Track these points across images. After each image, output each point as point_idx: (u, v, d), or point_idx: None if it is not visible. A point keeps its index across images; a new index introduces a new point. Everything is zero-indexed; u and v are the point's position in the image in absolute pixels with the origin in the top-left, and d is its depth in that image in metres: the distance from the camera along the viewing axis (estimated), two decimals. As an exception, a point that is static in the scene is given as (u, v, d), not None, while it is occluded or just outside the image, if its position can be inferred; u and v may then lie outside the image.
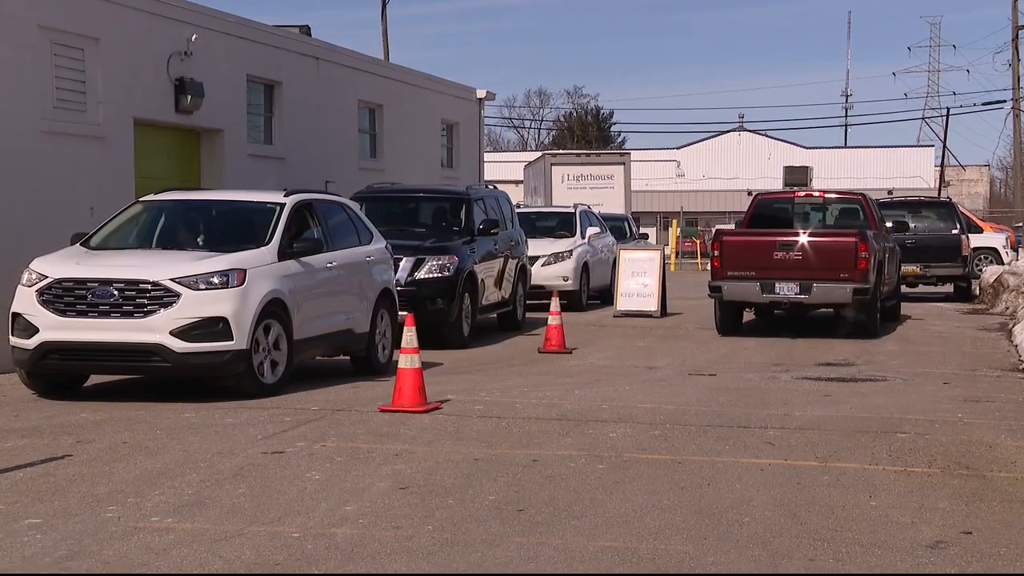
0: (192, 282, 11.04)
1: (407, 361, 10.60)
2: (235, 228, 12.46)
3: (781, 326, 19.10)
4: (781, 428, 9.94)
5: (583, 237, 23.76)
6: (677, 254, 47.89)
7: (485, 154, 30.67)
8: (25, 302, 11.10)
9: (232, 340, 11.03)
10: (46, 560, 6.05)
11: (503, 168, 57.81)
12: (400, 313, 13.35)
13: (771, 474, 8.15)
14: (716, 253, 17.97)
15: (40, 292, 11.05)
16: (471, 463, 8.46)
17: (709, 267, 19.12)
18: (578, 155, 43.18)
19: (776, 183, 52.73)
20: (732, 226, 21.42)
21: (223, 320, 11.01)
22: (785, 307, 18.31)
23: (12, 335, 11.17)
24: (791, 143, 76.18)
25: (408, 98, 24.32)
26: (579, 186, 37.60)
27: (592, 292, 23.95)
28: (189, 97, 16.80)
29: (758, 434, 9.65)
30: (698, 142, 78.74)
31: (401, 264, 15.68)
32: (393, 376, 11.16)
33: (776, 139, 76.77)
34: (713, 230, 26.87)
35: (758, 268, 17.60)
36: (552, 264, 22.68)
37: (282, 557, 6.17)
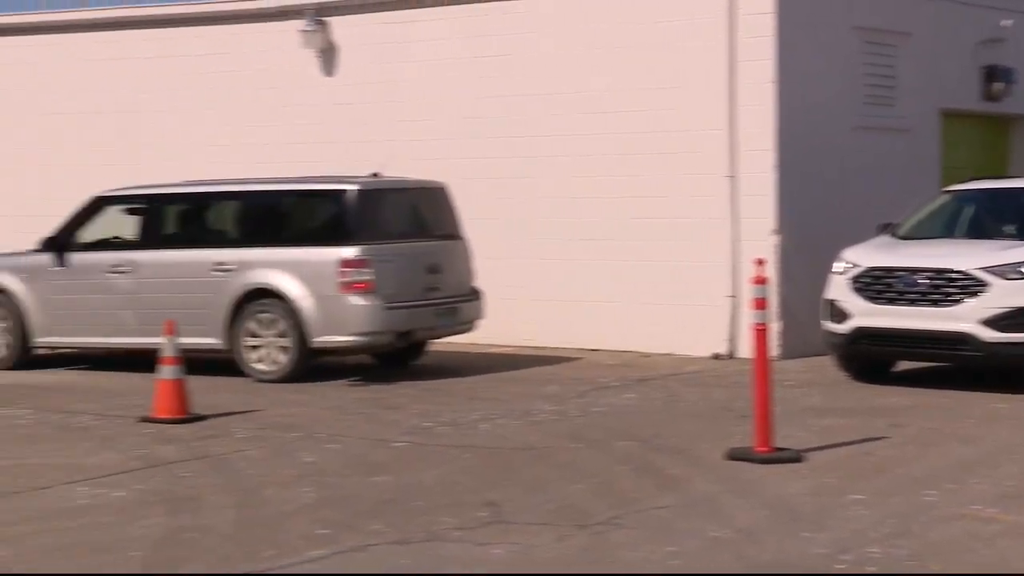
0: (1001, 271, 10.94)
1: None
2: None
3: None
4: None
5: None
6: None
7: None
8: (838, 289, 11.71)
9: (1047, 332, 10.73)
10: (871, 535, 6.43)
11: None
12: None
13: None
14: None
15: (852, 280, 11.59)
16: None
17: None
18: None
19: None
20: None
21: (1032, 311, 10.75)
22: None
23: (826, 320, 11.87)
24: None
25: None
26: None
27: None
28: (998, 84, 16.52)
29: None
30: None
31: None
32: None
33: None
34: None
35: None
36: None
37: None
